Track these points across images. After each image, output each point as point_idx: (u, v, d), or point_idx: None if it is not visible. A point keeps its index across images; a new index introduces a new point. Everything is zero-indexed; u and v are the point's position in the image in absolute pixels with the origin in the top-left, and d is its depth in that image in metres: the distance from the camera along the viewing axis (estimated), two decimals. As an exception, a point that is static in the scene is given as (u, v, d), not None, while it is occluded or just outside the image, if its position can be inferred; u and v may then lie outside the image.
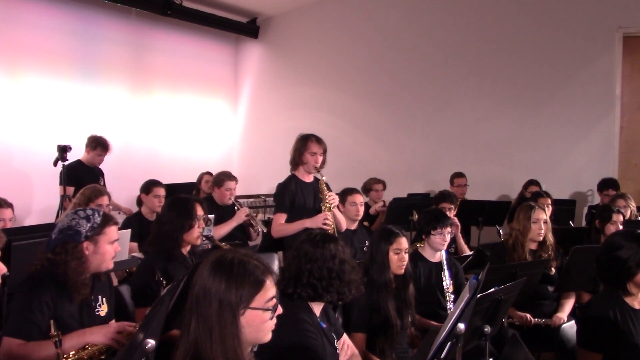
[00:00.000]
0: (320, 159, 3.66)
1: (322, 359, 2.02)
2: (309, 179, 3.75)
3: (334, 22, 7.72)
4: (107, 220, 2.23)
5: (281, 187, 3.69)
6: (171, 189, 4.93)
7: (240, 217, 4.28)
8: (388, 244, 2.73)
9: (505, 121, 6.27)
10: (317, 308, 2.17)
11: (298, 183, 3.69)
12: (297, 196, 3.65)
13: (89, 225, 2.15)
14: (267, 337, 1.49)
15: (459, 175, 5.82)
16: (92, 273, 2.22)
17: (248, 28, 8.51)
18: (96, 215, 2.20)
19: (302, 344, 1.98)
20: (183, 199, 2.86)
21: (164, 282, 2.56)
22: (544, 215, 3.45)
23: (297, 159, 3.68)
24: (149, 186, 4.43)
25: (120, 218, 4.83)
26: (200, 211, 2.83)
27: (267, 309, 1.45)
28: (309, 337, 2.01)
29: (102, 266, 2.21)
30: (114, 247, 2.25)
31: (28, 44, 6.28)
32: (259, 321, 1.45)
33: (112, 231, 2.23)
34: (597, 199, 5.49)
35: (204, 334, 1.38)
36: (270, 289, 1.47)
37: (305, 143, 3.64)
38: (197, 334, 1.39)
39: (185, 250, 2.82)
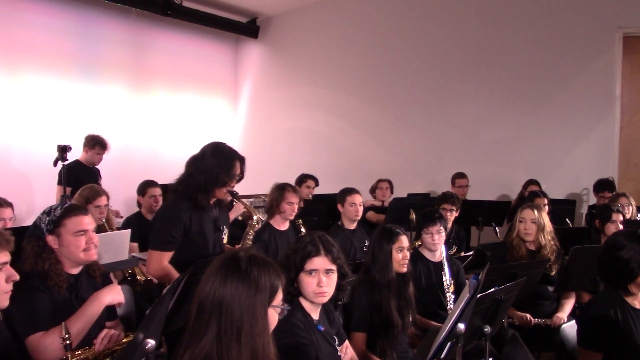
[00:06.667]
0: (296, 208, 3.83)
1: None
2: (284, 226, 3.88)
3: (334, 22, 7.72)
4: (68, 211, 2.15)
5: (255, 235, 3.73)
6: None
7: (238, 209, 4.31)
8: (391, 243, 2.74)
9: (505, 121, 6.27)
10: (314, 311, 2.13)
11: (272, 232, 3.82)
12: (269, 246, 3.74)
13: (48, 219, 2.13)
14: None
15: (460, 175, 5.83)
16: (84, 269, 2.21)
17: (248, 28, 8.52)
18: (58, 208, 2.16)
19: (291, 345, 1.95)
20: (227, 153, 2.76)
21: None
22: (532, 214, 3.43)
23: (274, 208, 3.84)
24: (144, 188, 4.50)
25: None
26: (238, 170, 2.78)
27: (281, 307, 1.54)
28: (300, 341, 1.98)
29: (74, 258, 2.14)
30: (86, 238, 2.15)
31: (28, 43, 6.28)
32: (273, 318, 1.52)
33: (73, 222, 2.13)
34: (592, 199, 5.49)
35: (228, 337, 1.40)
36: (281, 288, 1.56)
37: (282, 193, 3.82)
38: (219, 338, 1.40)
39: (212, 200, 2.79)
